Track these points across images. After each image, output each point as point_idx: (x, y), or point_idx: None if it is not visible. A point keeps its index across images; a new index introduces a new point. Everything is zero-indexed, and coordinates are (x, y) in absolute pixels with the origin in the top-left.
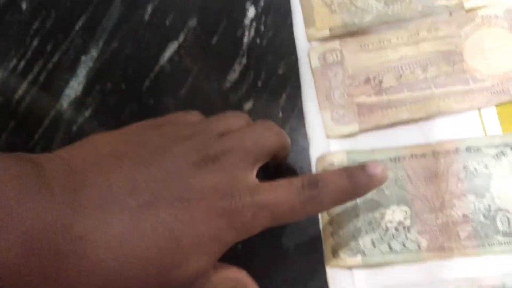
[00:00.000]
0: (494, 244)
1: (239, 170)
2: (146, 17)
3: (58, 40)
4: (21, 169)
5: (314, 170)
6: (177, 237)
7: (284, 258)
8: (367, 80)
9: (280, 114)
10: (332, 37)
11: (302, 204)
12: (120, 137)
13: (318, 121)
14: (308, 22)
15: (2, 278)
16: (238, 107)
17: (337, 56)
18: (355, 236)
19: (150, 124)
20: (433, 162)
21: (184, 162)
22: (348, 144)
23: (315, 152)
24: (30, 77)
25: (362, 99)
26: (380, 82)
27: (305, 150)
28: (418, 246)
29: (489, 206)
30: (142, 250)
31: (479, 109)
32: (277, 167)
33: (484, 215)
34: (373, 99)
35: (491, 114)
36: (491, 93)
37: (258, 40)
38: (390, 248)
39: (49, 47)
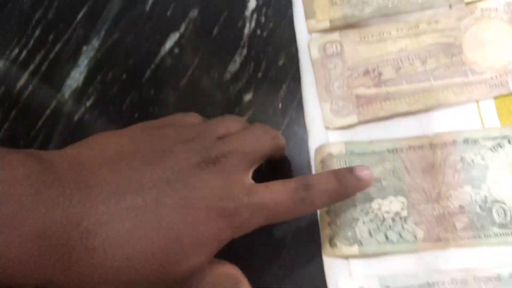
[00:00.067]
0: (490, 235)
1: (238, 172)
2: (147, 8)
3: (60, 30)
4: (32, 166)
5: (312, 161)
6: (178, 237)
7: (282, 247)
8: (367, 72)
9: (280, 105)
10: (332, 29)
11: (295, 205)
12: (125, 137)
13: (317, 112)
14: (309, 13)
15: (15, 273)
16: (238, 98)
17: (337, 48)
18: (352, 226)
19: (151, 125)
20: (430, 153)
21: (186, 163)
22: (346, 135)
23: (313, 143)
24: (31, 67)
25: (361, 90)
26: (380, 74)
27: (304, 141)
28: (415, 236)
29: (486, 197)
30: (147, 245)
31: (477, 101)
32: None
33: (480, 207)
34: (372, 91)
35: (489, 106)
36: (489, 85)
37: (258, 32)
38: (387, 238)
39: (50, 37)
